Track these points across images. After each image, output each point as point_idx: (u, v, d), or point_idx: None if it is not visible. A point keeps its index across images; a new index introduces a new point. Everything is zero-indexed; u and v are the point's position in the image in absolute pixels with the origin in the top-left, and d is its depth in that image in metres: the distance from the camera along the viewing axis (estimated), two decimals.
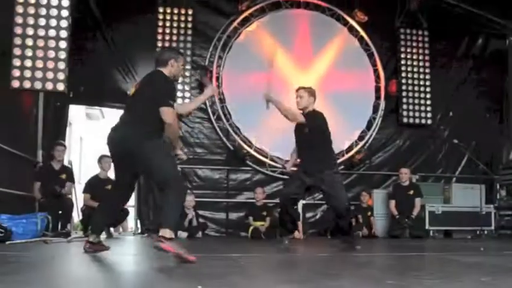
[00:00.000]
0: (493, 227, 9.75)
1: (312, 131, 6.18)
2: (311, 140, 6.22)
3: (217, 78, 10.16)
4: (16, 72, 7.41)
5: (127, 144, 4.47)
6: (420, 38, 11.07)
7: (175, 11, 9.91)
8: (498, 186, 10.27)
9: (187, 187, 4.52)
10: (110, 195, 5.33)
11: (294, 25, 10.62)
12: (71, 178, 8.34)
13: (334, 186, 6.10)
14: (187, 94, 9.81)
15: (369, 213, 9.63)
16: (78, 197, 8.87)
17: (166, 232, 4.09)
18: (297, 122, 6.26)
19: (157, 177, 4.46)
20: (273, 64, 6.50)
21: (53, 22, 7.60)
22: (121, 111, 5.02)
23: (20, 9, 7.50)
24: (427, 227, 9.37)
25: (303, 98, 6.27)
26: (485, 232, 9.63)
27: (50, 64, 7.53)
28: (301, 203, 9.32)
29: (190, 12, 9.97)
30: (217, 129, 10.10)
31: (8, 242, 5.85)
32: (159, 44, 9.75)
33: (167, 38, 9.81)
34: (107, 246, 5.00)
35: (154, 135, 4.50)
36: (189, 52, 9.88)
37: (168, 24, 9.85)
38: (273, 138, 9.83)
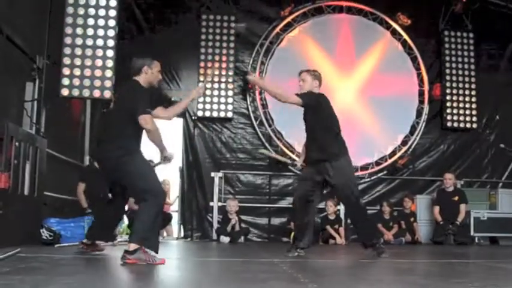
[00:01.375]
0: None
1: (309, 113, 5.59)
2: (311, 125, 5.61)
3: None
4: (65, 81, 7.65)
5: (108, 163, 4.66)
6: (465, 41, 10.86)
7: (218, 17, 10.05)
8: None
9: (162, 203, 4.71)
10: (104, 207, 5.64)
11: (337, 30, 10.61)
12: None
13: (348, 178, 5.47)
14: (230, 100, 9.93)
15: (412, 219, 9.52)
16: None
17: (130, 246, 4.31)
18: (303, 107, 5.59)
19: (134, 192, 4.74)
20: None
21: (101, 32, 7.81)
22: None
23: (69, 20, 7.75)
24: (472, 233, 9.18)
25: (306, 81, 5.66)
26: None
27: (98, 72, 7.75)
28: (342, 208, 9.30)
29: (232, 19, 10.10)
30: (260, 135, 10.17)
31: (57, 245, 6.06)
32: (202, 51, 9.92)
33: (210, 44, 9.96)
34: (101, 247, 5.46)
35: (133, 149, 4.65)
36: (232, 58, 10.01)
37: (211, 31, 10.00)
38: None
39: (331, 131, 5.54)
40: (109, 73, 7.79)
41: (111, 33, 7.85)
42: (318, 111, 5.52)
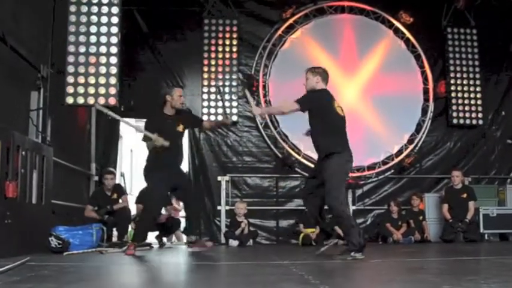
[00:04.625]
0: None
1: (308, 114, 5.55)
2: (311, 126, 5.61)
3: (264, 87, 10.24)
4: (70, 89, 7.68)
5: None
6: (468, 37, 10.83)
7: (221, 22, 10.07)
8: None
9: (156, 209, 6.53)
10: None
11: (339, 30, 10.61)
12: (122, 192, 8.38)
13: (329, 178, 5.29)
14: (234, 103, 9.94)
15: (421, 218, 9.48)
16: (131, 208, 9.07)
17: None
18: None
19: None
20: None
21: (104, 39, 7.84)
22: None
23: (72, 28, 7.78)
24: (481, 230, 9.13)
25: (308, 79, 5.65)
26: None
27: (102, 80, 7.77)
28: (351, 209, 9.33)
29: (235, 22, 10.12)
30: (266, 137, 10.17)
31: (65, 253, 6.05)
32: (206, 56, 9.95)
33: (213, 49, 9.99)
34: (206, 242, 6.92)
35: (151, 168, 6.21)
36: (235, 62, 10.04)
37: (213, 35, 10.03)
38: None
39: (326, 131, 5.47)
40: (113, 80, 7.81)
41: (114, 40, 7.87)
42: (313, 112, 5.50)
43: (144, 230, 6.34)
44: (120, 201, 8.15)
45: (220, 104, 9.82)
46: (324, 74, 5.69)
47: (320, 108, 5.47)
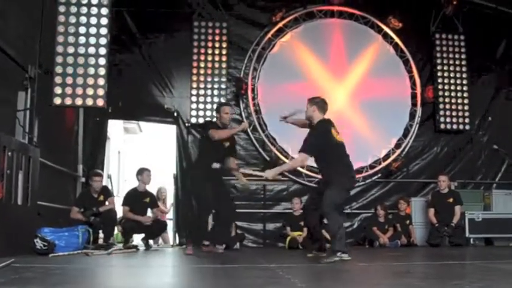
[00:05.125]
0: None
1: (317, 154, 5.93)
2: (318, 157, 5.99)
3: (253, 90, 10.24)
4: (58, 90, 7.60)
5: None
6: (456, 43, 10.91)
7: (210, 24, 10.06)
8: None
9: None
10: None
11: (328, 34, 10.63)
12: (108, 194, 8.32)
13: (330, 191, 5.62)
14: None
15: (408, 222, 9.52)
16: (118, 210, 9.02)
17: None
18: None
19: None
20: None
21: (92, 40, 7.78)
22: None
23: (61, 28, 7.70)
24: (467, 234, 9.20)
25: (307, 109, 6.04)
26: None
27: (90, 80, 7.70)
28: None
29: (224, 25, 10.10)
30: (254, 141, 10.17)
31: (51, 255, 6.01)
32: (195, 58, 9.92)
33: (202, 51, 9.96)
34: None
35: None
36: (224, 65, 10.01)
37: (203, 37, 10.01)
38: None
39: (329, 161, 5.87)
40: (101, 81, 7.75)
41: (103, 41, 7.81)
42: (317, 150, 5.83)
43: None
44: (107, 203, 8.09)
45: (209, 106, 9.81)
46: (320, 103, 6.01)
47: (322, 145, 5.82)
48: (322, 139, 5.82)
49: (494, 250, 8.24)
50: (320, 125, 5.92)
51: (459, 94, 10.80)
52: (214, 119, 7.09)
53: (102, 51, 7.81)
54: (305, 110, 6.04)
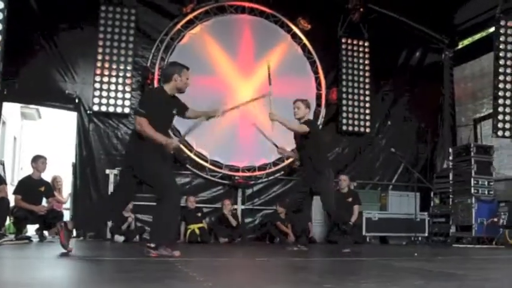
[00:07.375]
0: (426, 234, 10.04)
1: (309, 137, 6.71)
2: (305, 145, 6.78)
3: (159, 80, 9.99)
4: None
5: (129, 159, 5.17)
6: (361, 49, 11.29)
7: (118, 9, 9.69)
8: (432, 195, 10.55)
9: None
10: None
11: (238, 30, 10.62)
12: (0, 182, 7.74)
13: (325, 191, 6.69)
14: (127, 95, 9.59)
15: None
16: (10, 199, 8.50)
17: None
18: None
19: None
20: (271, 81, 7.34)
21: None
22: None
23: None
24: (364, 233, 9.55)
25: (300, 109, 6.93)
26: (420, 238, 9.87)
27: None
28: (240, 208, 9.45)
29: (133, 11, 9.78)
30: None
31: None
32: (100, 43, 9.53)
33: (108, 37, 9.58)
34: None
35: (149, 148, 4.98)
36: (130, 53, 9.69)
37: (110, 23, 9.63)
38: (213, 143, 9.76)
39: (319, 151, 6.77)
40: None
41: None
42: (311, 136, 6.69)
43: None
44: None
45: (113, 95, 9.45)
46: (310, 105, 7.18)
47: (317, 134, 6.90)
48: (318, 129, 7.04)
49: (389, 248, 8.59)
50: (314, 122, 7.34)
51: (361, 98, 11.18)
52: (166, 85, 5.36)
53: None
54: (296, 108, 6.95)
